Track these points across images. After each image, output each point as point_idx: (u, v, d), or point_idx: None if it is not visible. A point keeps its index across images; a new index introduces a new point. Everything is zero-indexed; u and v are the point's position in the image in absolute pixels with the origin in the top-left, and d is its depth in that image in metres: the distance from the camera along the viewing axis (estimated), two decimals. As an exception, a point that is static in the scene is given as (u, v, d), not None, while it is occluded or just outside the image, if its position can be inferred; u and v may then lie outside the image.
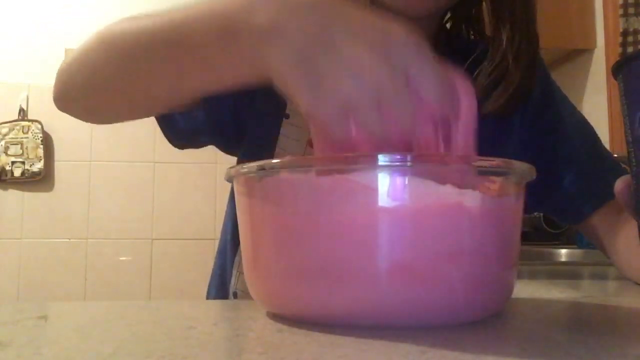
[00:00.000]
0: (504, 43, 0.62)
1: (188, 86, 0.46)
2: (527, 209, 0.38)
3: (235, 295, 0.64)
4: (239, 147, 0.68)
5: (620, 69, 0.32)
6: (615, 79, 0.33)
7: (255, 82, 0.38)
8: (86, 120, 0.57)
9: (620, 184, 0.37)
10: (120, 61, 0.47)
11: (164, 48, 0.43)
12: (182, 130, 0.61)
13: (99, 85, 0.51)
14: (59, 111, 0.57)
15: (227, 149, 0.69)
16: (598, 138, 0.72)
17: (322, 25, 0.34)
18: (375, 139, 0.32)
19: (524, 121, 0.68)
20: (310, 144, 0.61)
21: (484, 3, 0.69)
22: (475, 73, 0.63)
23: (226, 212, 0.74)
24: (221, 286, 0.70)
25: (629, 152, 0.33)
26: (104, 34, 0.49)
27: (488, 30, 0.67)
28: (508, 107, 0.62)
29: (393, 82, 0.32)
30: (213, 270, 0.74)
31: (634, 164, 0.31)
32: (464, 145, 0.35)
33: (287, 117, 0.62)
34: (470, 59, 0.64)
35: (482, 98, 0.62)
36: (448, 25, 0.72)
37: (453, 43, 0.71)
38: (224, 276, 0.69)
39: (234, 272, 0.65)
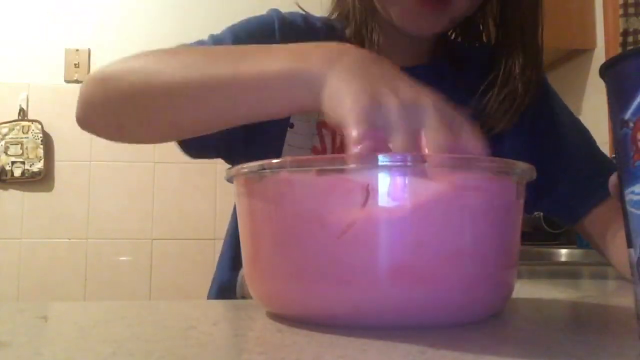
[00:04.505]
0: (516, 72, 0.64)
1: (236, 115, 0.48)
2: (526, 209, 0.39)
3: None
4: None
5: (605, 72, 0.32)
6: (604, 81, 0.33)
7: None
8: (113, 137, 0.55)
9: (614, 179, 0.37)
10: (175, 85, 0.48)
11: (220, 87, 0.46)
12: (192, 146, 0.62)
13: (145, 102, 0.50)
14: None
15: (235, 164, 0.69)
16: (594, 140, 0.73)
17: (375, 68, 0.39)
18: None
19: (523, 123, 0.69)
20: (314, 150, 0.63)
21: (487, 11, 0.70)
22: (486, 99, 0.64)
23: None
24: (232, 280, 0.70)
25: (615, 153, 0.33)
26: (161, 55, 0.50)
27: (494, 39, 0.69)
28: (512, 123, 0.65)
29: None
30: (220, 263, 0.73)
31: (618, 164, 0.31)
32: None
33: (292, 126, 0.64)
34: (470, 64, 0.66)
35: (492, 121, 0.64)
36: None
37: (453, 49, 0.72)
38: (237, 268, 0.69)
39: None
